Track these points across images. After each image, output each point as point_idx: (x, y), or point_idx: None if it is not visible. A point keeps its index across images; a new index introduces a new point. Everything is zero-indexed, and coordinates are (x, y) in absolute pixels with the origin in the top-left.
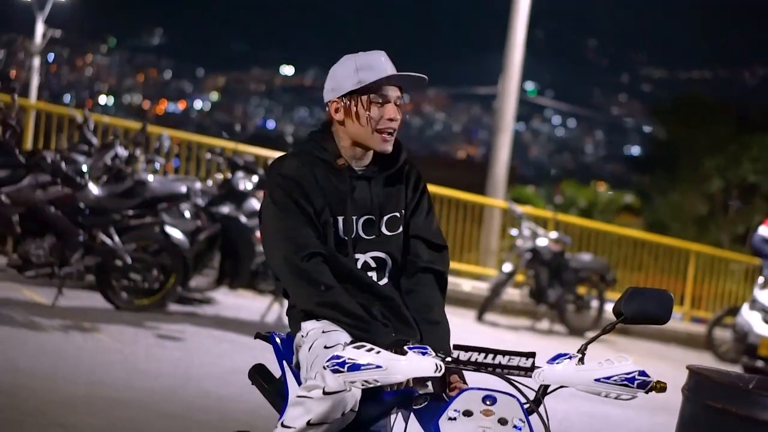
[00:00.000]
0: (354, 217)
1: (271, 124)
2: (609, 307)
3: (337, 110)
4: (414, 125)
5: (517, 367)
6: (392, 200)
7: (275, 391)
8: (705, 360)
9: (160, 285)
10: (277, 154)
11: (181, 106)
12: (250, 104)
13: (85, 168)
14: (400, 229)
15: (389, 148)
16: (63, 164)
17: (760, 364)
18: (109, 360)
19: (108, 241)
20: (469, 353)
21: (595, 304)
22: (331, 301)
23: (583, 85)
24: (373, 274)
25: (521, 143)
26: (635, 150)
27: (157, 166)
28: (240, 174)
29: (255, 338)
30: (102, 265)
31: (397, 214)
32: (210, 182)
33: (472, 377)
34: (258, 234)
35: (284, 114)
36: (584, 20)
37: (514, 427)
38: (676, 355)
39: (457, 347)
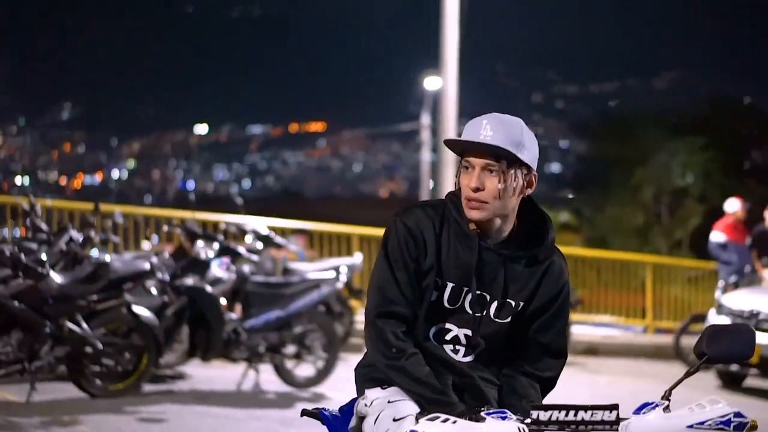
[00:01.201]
0: (466, 289)
1: (191, 185)
2: (575, 330)
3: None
4: (335, 168)
5: (602, 422)
6: (517, 286)
7: None
8: (676, 369)
9: (133, 367)
10: (229, 217)
11: (98, 177)
12: (168, 167)
13: (44, 256)
14: (509, 319)
15: (474, 215)
16: (22, 255)
17: (734, 368)
18: None
19: (76, 328)
20: (549, 412)
21: None
22: (399, 365)
23: (496, 109)
24: (460, 349)
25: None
26: (555, 167)
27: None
28: (200, 243)
29: (302, 416)
30: (72, 354)
31: (513, 303)
32: (165, 254)
33: None
34: (224, 302)
35: (203, 173)
36: (491, 45)
37: None
38: (647, 369)
39: (535, 407)
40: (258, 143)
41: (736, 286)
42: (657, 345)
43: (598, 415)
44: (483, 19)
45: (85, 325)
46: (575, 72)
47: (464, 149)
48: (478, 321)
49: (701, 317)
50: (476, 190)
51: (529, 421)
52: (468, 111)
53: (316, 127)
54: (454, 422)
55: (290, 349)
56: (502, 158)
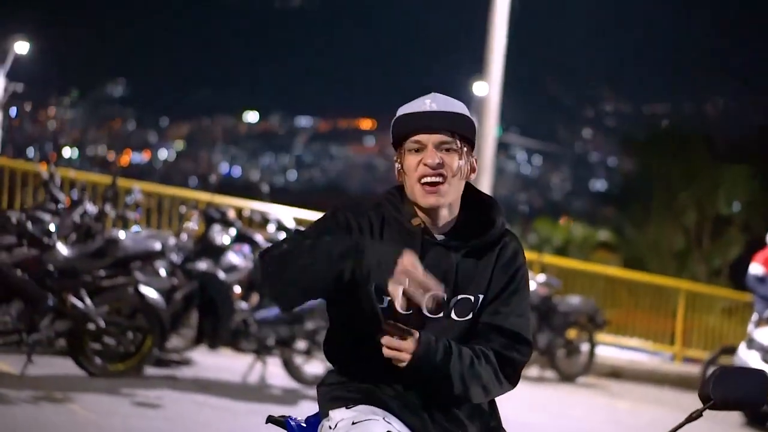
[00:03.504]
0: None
1: (236, 172)
2: (600, 351)
3: (395, 168)
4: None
5: None
6: (471, 278)
7: None
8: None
9: (135, 348)
10: (253, 203)
11: (146, 156)
12: (215, 152)
13: (52, 227)
14: (470, 315)
15: (432, 201)
16: (29, 224)
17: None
18: None
19: (79, 304)
20: None
21: (585, 348)
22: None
23: (547, 122)
24: None
25: None
26: (600, 184)
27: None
28: (216, 227)
29: (267, 422)
30: (73, 330)
31: (471, 298)
32: (185, 236)
33: None
34: (238, 290)
35: (250, 161)
36: (546, 56)
37: None
38: (671, 399)
39: None
40: (307, 135)
41: None
42: (684, 374)
43: None
44: (540, 32)
45: (89, 301)
46: (628, 91)
47: (414, 127)
48: (440, 324)
49: (732, 349)
50: (437, 165)
51: None
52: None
53: (366, 124)
54: None
55: (300, 344)
56: (457, 135)
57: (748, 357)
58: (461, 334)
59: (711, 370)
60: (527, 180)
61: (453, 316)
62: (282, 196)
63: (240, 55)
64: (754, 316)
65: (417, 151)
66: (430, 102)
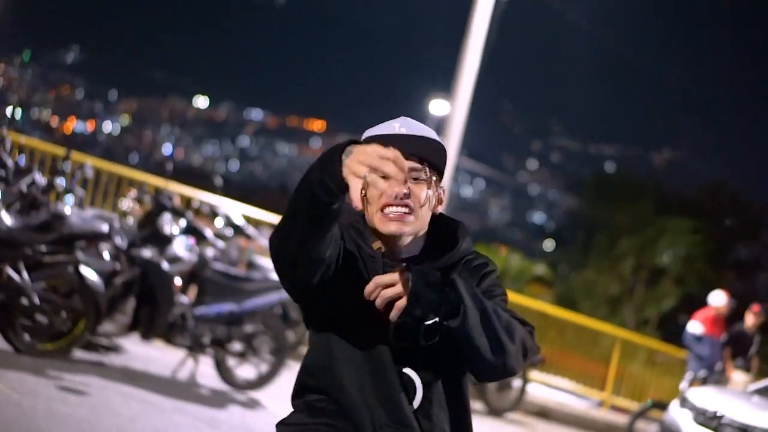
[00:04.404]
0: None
1: (179, 155)
2: (531, 388)
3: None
4: None
5: None
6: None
7: None
8: None
9: (67, 330)
10: (204, 194)
11: (90, 126)
12: (160, 132)
13: None
14: (437, 337)
15: (393, 228)
16: None
17: None
18: (3, 415)
19: (15, 276)
20: None
21: (517, 383)
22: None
23: (493, 147)
24: (415, 395)
25: None
26: (538, 217)
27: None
28: (167, 216)
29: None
30: (6, 303)
31: (438, 319)
32: (130, 220)
33: None
34: (179, 282)
35: (194, 145)
36: (500, 83)
37: None
38: None
39: None
40: (254, 127)
41: (704, 381)
42: (611, 423)
43: None
44: (498, 59)
45: (26, 275)
46: (576, 128)
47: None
48: (411, 353)
49: (662, 405)
50: (404, 195)
51: None
52: (467, 143)
53: (315, 125)
54: None
55: (236, 346)
56: (426, 163)
57: (679, 416)
58: (431, 362)
59: (638, 423)
60: (466, 203)
61: (424, 341)
62: (212, 184)
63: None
64: (689, 375)
65: (384, 177)
66: (399, 126)
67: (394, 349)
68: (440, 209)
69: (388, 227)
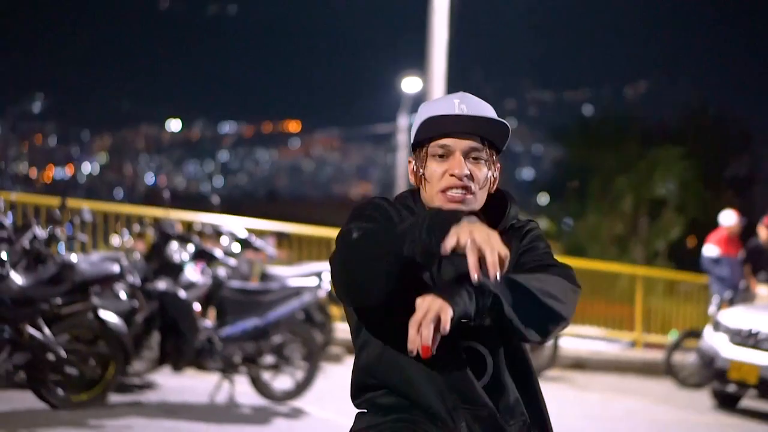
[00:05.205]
0: None
1: (162, 181)
2: (564, 343)
3: (412, 170)
4: (307, 169)
5: None
6: None
7: None
8: (667, 388)
9: (98, 376)
10: (203, 215)
11: (69, 170)
12: (139, 162)
13: (3, 256)
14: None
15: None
16: None
17: (731, 388)
18: None
19: (37, 334)
20: None
21: (549, 341)
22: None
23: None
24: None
25: None
26: (527, 173)
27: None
28: (174, 245)
29: None
30: (33, 362)
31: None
32: (137, 255)
33: None
34: (198, 308)
35: (174, 169)
36: (466, 51)
37: None
38: (638, 387)
39: None
40: (231, 141)
41: (731, 302)
42: (646, 360)
43: None
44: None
45: (47, 331)
46: (549, 80)
47: (443, 131)
48: (472, 329)
49: (695, 333)
50: (465, 177)
51: None
52: None
53: (291, 126)
54: None
55: (268, 359)
56: (487, 142)
57: (714, 340)
58: (498, 337)
59: (675, 355)
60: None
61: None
62: (209, 203)
63: (159, 66)
64: (715, 299)
65: (441, 156)
66: (459, 102)
67: (457, 327)
68: (494, 187)
69: (450, 208)
